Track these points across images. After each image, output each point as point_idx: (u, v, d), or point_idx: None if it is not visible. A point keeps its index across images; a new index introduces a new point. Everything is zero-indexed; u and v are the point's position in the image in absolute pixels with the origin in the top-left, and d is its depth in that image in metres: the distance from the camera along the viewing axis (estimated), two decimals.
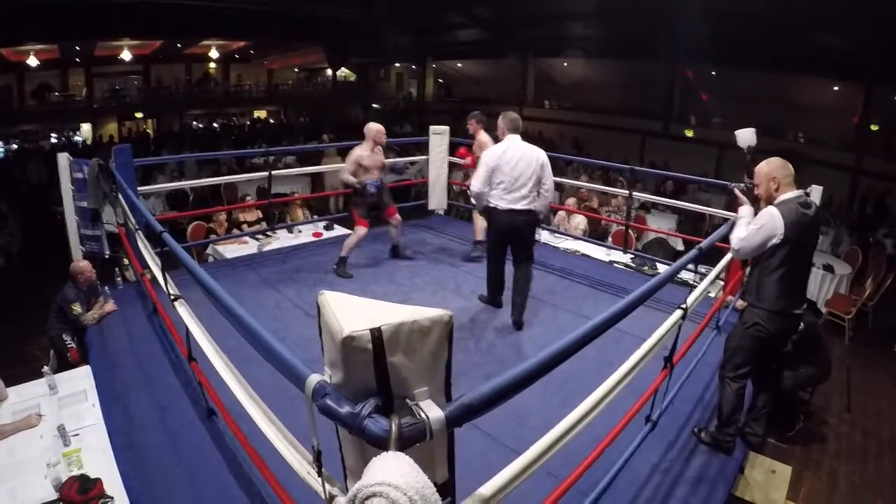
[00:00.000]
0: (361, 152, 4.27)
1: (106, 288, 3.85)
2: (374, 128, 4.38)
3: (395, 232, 4.74)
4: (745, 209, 2.65)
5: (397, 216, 4.60)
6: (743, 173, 3.90)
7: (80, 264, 3.57)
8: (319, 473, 1.24)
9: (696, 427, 2.71)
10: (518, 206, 3.43)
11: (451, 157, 5.60)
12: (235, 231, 5.62)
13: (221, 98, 18.98)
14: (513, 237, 3.55)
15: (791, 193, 2.37)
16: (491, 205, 3.49)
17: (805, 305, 2.54)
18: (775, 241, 2.32)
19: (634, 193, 4.89)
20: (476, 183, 3.49)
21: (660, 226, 7.00)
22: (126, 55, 15.46)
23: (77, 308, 3.40)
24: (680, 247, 6.29)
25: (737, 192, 2.78)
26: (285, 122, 19.87)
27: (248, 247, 5.28)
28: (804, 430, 3.81)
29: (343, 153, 10.91)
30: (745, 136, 3.30)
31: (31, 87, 14.97)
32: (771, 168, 2.41)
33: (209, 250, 5.43)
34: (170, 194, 8.66)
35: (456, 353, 1.06)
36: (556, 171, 11.21)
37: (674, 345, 2.23)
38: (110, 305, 3.61)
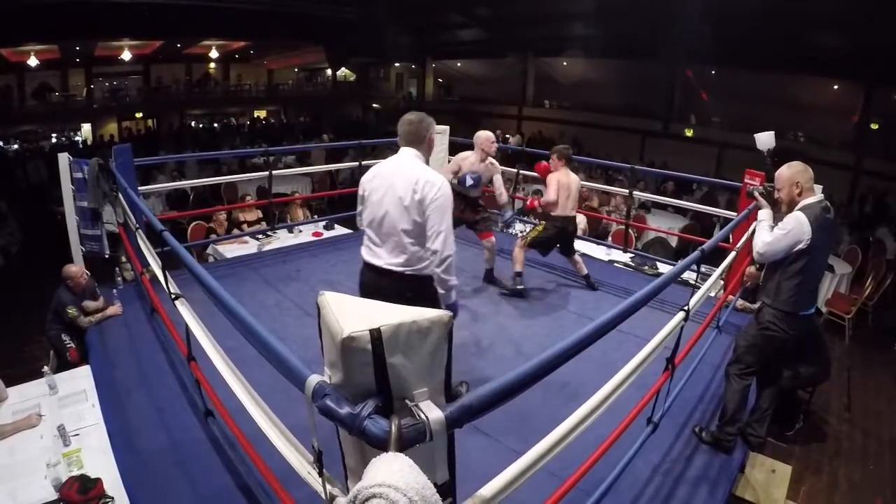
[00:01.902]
0: (472, 158, 4.00)
1: (114, 291, 3.85)
2: (482, 136, 4.02)
3: (487, 256, 4.31)
4: (765, 212, 2.63)
5: (491, 239, 4.19)
6: (751, 174, 3.91)
7: (72, 269, 3.51)
8: (320, 474, 1.24)
9: (697, 426, 2.71)
10: (381, 263, 2.24)
11: (451, 156, 5.61)
12: (235, 231, 5.62)
13: (221, 98, 18.96)
14: None
15: (814, 198, 2.38)
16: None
17: (815, 306, 2.56)
18: (802, 246, 2.31)
19: (635, 193, 4.89)
20: (357, 220, 2.49)
21: (660, 225, 7.00)
22: (126, 55, 15.46)
23: (72, 311, 3.38)
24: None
25: (756, 195, 2.76)
26: (285, 122, 19.87)
27: (248, 247, 5.28)
28: (804, 430, 3.81)
29: (342, 151, 10.99)
30: (765, 139, 3.28)
31: (32, 87, 14.97)
32: (793, 172, 2.40)
33: (209, 250, 5.43)
34: (170, 194, 8.66)
35: (456, 353, 1.06)
36: None
37: (675, 346, 2.23)
38: (113, 309, 3.59)
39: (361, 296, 2.27)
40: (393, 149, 2.22)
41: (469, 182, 3.89)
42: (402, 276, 2.22)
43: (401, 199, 2.15)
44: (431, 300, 2.26)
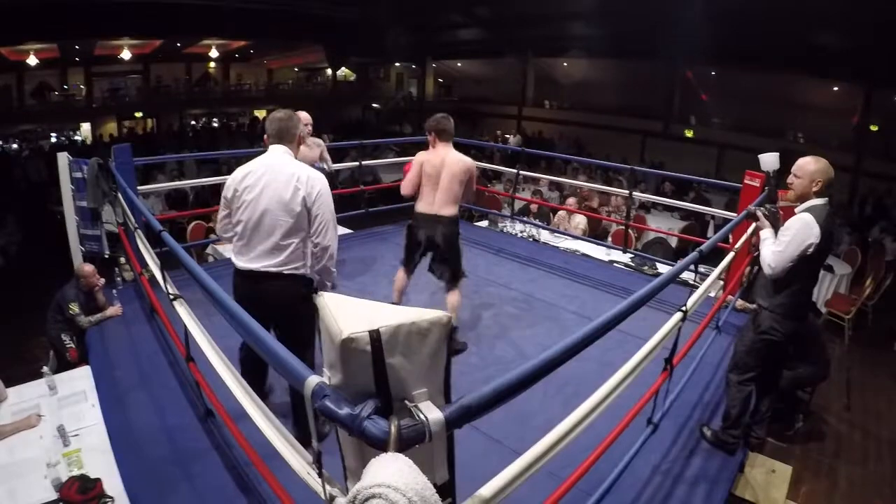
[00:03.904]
0: None
1: (114, 292, 3.85)
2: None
3: None
4: (768, 231, 2.56)
5: None
6: (751, 175, 3.91)
7: (86, 268, 3.56)
8: (320, 474, 1.24)
9: (700, 424, 2.71)
10: (259, 266, 2.17)
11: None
12: None
13: (221, 98, 18.98)
14: (262, 319, 1.75)
15: (823, 200, 2.34)
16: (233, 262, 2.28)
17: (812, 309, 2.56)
18: (810, 249, 2.26)
19: (634, 193, 4.90)
20: (217, 227, 2.42)
21: (660, 226, 7.01)
22: (126, 54, 15.47)
23: (74, 308, 3.40)
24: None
25: (759, 214, 2.67)
26: None
27: None
28: (804, 430, 3.81)
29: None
30: (769, 161, 3.25)
31: (31, 86, 14.98)
32: (819, 168, 2.34)
33: (209, 250, 5.42)
34: (169, 194, 8.66)
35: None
36: (556, 171, 11.27)
37: (674, 346, 2.23)
38: (113, 310, 3.59)
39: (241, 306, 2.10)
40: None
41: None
42: (282, 276, 2.18)
43: (281, 196, 2.12)
44: (308, 298, 2.09)
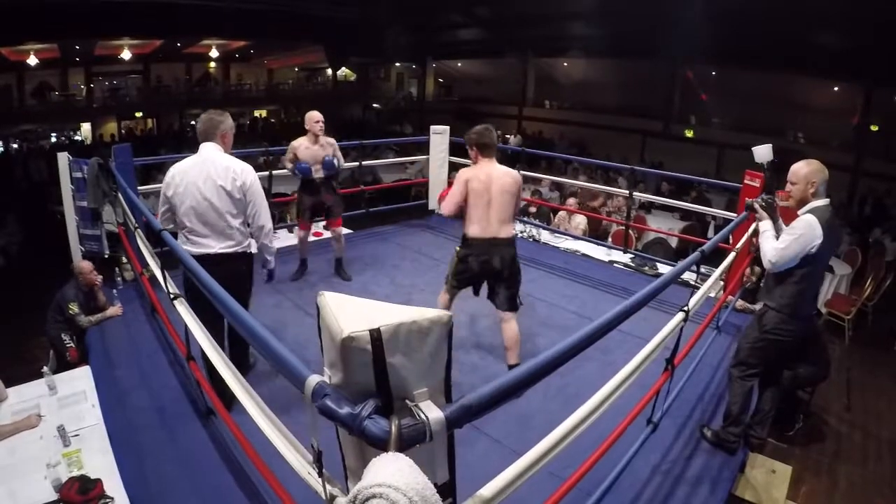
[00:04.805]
0: (305, 143, 4.01)
1: (115, 292, 3.85)
2: (307, 116, 4.03)
3: (336, 245, 4.40)
4: (767, 224, 2.56)
5: (339, 228, 4.31)
6: (750, 174, 3.90)
7: (82, 264, 3.57)
8: (320, 474, 1.24)
9: (701, 424, 2.71)
10: (213, 251, 2.47)
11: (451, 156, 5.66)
12: None
13: (222, 98, 18.97)
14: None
15: (824, 200, 2.34)
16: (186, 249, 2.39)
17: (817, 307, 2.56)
18: (813, 250, 2.27)
19: (634, 193, 4.89)
20: (159, 219, 2.59)
21: (660, 226, 7.00)
22: (126, 54, 15.49)
23: (74, 307, 3.40)
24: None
25: (756, 207, 2.66)
26: (285, 121, 19.88)
27: None
28: (804, 430, 3.81)
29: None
30: (763, 153, 3.25)
31: (32, 86, 14.98)
32: (811, 171, 2.35)
33: None
34: None
35: (456, 353, 1.05)
36: (556, 171, 11.24)
37: (675, 347, 2.23)
38: (113, 310, 3.60)
39: (193, 289, 2.27)
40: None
41: (297, 173, 4.02)
42: (233, 256, 2.53)
43: (221, 186, 2.44)
44: (250, 272, 2.67)
